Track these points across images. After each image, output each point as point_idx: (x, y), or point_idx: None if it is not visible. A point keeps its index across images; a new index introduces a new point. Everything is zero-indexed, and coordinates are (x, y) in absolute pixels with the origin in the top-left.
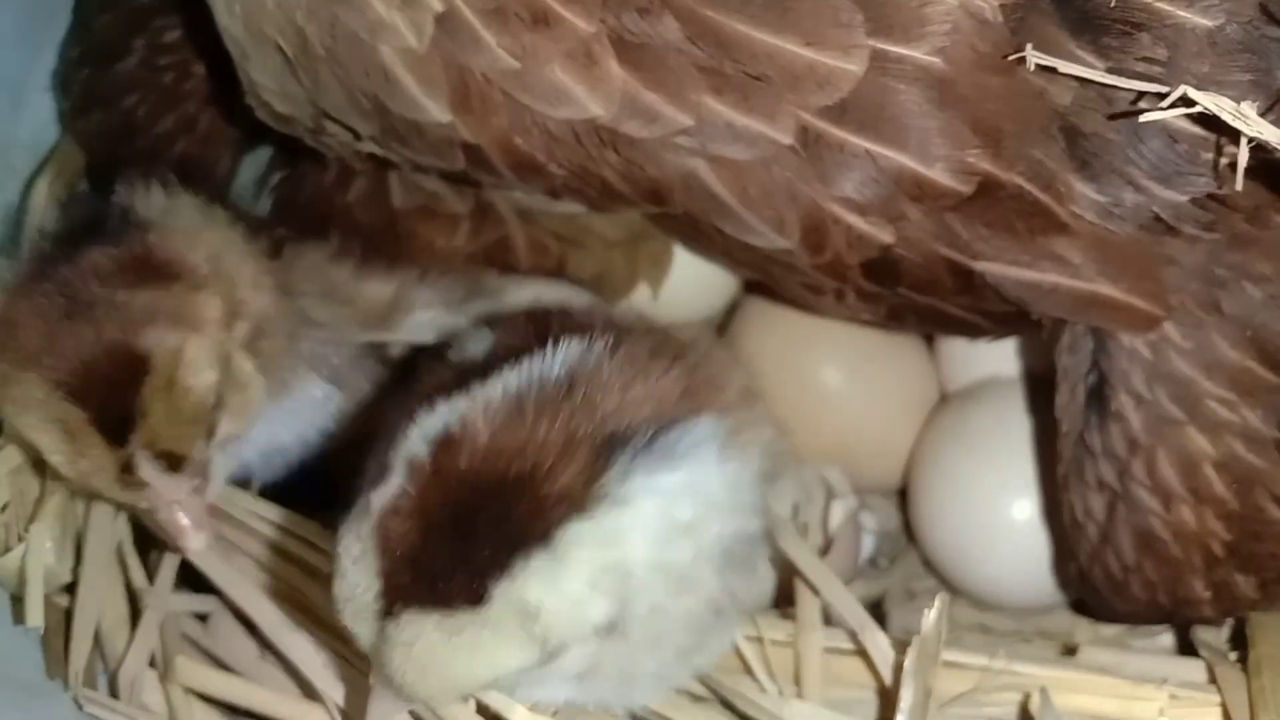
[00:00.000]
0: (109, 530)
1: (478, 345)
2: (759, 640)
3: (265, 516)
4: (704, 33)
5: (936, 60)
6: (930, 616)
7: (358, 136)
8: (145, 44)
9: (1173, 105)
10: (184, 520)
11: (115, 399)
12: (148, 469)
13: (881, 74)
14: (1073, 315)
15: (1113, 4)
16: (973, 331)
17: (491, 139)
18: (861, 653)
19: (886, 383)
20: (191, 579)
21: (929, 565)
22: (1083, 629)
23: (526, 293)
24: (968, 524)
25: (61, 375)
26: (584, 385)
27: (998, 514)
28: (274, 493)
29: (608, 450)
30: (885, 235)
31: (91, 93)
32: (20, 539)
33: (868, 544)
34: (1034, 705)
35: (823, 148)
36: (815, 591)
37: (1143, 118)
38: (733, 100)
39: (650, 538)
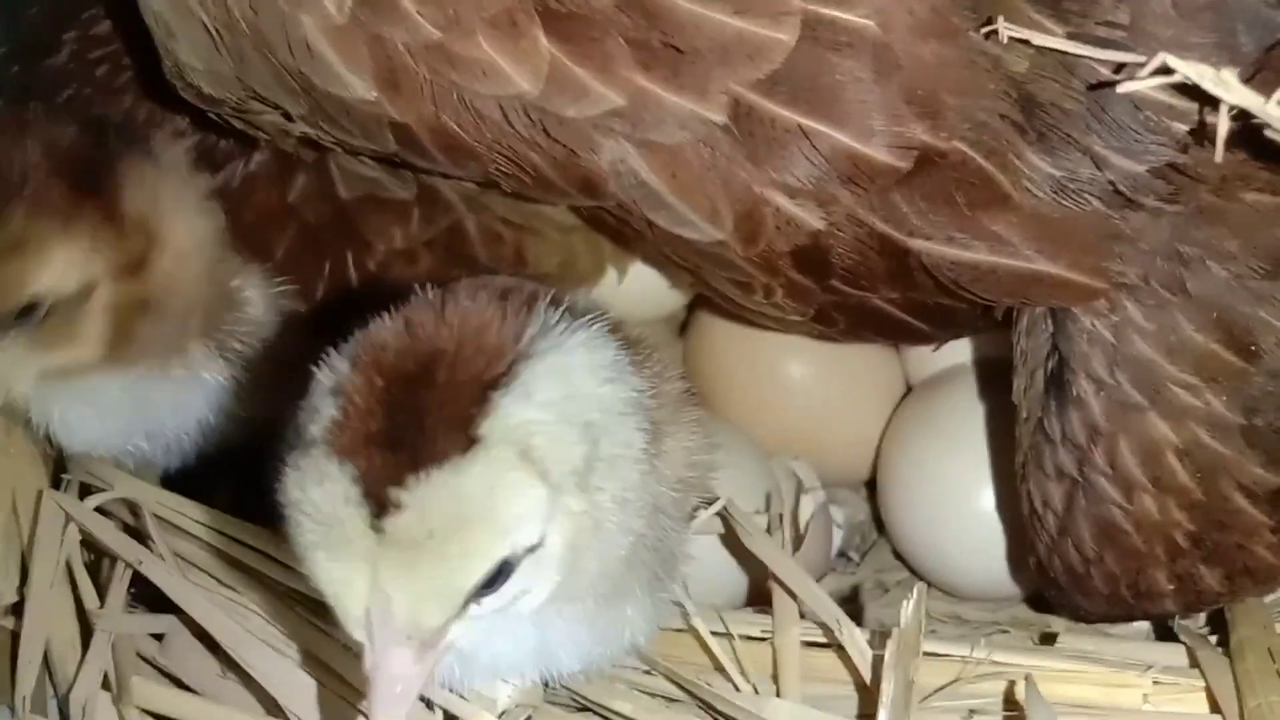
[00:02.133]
0: (56, 546)
1: None
2: (728, 636)
3: (220, 529)
4: (632, 2)
5: (870, 23)
6: (908, 608)
7: (288, 117)
8: (76, 37)
9: (1153, 74)
10: None
11: None
12: None
13: (814, 43)
14: (1012, 297)
15: None
16: (904, 332)
17: (419, 118)
18: (839, 647)
19: (851, 373)
20: (146, 596)
21: (900, 556)
22: (1059, 617)
23: None
24: (938, 514)
25: None
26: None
27: (968, 504)
28: (187, 481)
29: (523, 311)
30: (815, 220)
31: (23, 90)
32: None
33: (837, 536)
34: (1019, 694)
35: (754, 124)
36: (788, 590)
37: (1120, 88)
38: (662, 76)
39: (589, 372)
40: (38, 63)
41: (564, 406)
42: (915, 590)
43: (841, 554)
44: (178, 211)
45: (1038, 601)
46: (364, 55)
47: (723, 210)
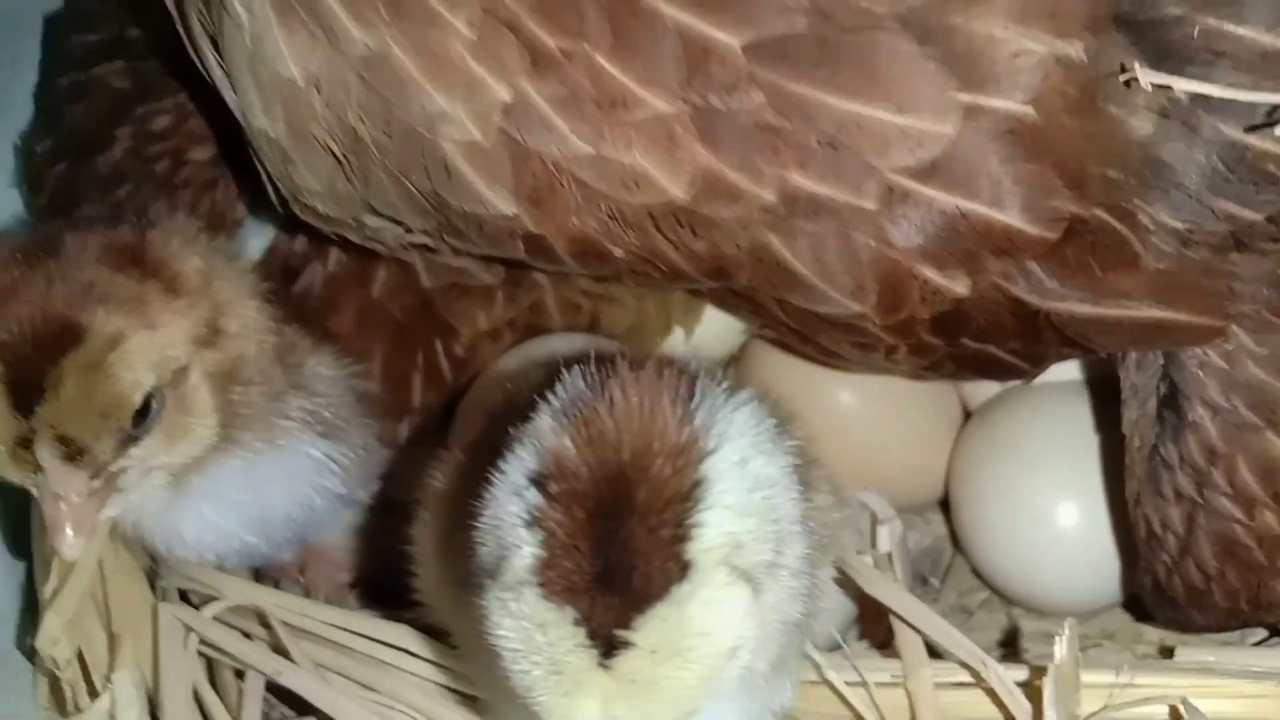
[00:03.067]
0: (183, 670)
1: None
2: (863, 685)
3: (346, 627)
4: (791, 107)
5: (1030, 109)
6: (1063, 643)
7: (409, 230)
8: (131, 133)
9: None
10: (66, 519)
11: (33, 362)
12: (45, 451)
13: (975, 131)
14: (1136, 345)
15: (1194, 34)
16: (1010, 374)
17: (557, 228)
18: (972, 685)
19: (904, 397)
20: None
21: (980, 576)
22: (1150, 628)
23: None
24: (1017, 533)
25: None
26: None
27: (1046, 520)
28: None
29: (688, 394)
30: (961, 289)
31: (72, 187)
32: (92, 692)
33: None
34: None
35: (909, 206)
36: (919, 632)
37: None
38: (817, 174)
39: (758, 452)
40: (88, 159)
41: (750, 500)
42: (1067, 625)
43: (919, 578)
44: (220, 272)
45: (1132, 607)
46: (507, 173)
47: (868, 287)
